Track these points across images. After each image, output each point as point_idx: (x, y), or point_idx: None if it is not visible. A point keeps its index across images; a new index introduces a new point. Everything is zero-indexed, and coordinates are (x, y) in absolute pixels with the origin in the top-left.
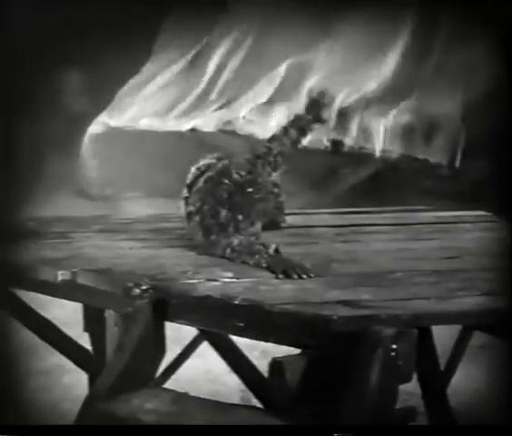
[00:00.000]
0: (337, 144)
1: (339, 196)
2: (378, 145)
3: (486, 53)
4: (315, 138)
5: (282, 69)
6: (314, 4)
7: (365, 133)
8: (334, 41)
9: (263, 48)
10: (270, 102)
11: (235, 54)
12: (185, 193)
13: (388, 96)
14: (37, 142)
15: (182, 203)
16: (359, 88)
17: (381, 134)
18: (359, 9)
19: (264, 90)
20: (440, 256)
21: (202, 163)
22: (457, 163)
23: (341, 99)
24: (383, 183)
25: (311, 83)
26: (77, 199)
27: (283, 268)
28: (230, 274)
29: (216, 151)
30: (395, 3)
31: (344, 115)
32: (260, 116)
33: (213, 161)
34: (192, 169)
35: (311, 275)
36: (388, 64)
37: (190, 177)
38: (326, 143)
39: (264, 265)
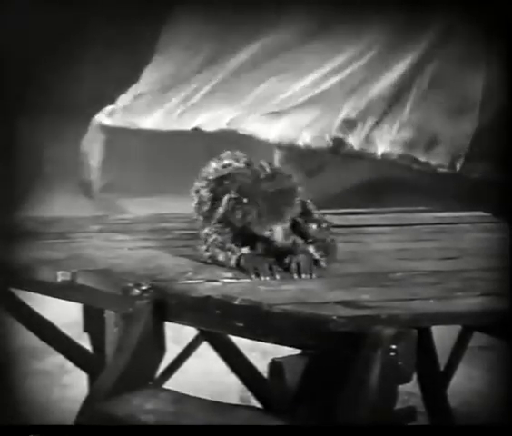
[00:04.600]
0: (338, 143)
1: (338, 196)
2: (380, 147)
3: (488, 61)
4: (318, 136)
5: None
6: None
7: (368, 138)
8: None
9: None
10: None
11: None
12: (204, 185)
13: (393, 109)
14: (38, 140)
15: (198, 194)
16: (365, 100)
17: (384, 139)
18: (371, 27)
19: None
20: (440, 256)
21: (226, 161)
22: (459, 166)
23: (347, 110)
24: (383, 183)
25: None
26: (77, 199)
27: (255, 267)
28: (229, 275)
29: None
30: (405, 21)
31: (349, 123)
32: (263, 119)
33: (234, 162)
34: (214, 164)
35: (277, 277)
36: (395, 78)
37: (212, 172)
38: (328, 140)
39: (233, 264)
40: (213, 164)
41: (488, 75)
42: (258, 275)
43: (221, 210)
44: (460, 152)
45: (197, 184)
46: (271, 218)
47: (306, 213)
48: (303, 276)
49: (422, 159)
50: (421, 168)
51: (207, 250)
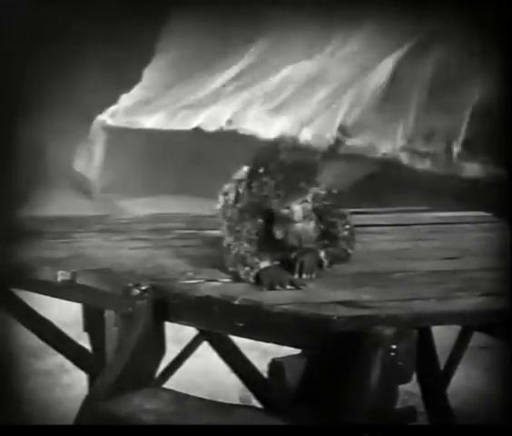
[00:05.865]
0: (339, 141)
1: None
2: (380, 147)
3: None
4: (318, 134)
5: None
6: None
7: (368, 138)
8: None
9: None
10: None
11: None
12: (231, 188)
13: (393, 109)
14: (38, 140)
15: (225, 196)
16: (365, 102)
17: (385, 138)
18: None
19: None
20: (440, 256)
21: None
22: (455, 151)
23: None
24: (383, 184)
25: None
26: (77, 199)
27: (270, 281)
28: (229, 275)
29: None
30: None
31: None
32: (264, 118)
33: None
34: (245, 168)
35: (300, 288)
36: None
37: (241, 174)
38: (329, 138)
39: (252, 280)
40: (245, 168)
41: (487, 75)
42: (272, 288)
43: (239, 204)
44: (455, 140)
45: (226, 187)
46: (289, 192)
47: (333, 210)
48: (304, 276)
49: (422, 149)
50: (420, 163)
51: (231, 266)
